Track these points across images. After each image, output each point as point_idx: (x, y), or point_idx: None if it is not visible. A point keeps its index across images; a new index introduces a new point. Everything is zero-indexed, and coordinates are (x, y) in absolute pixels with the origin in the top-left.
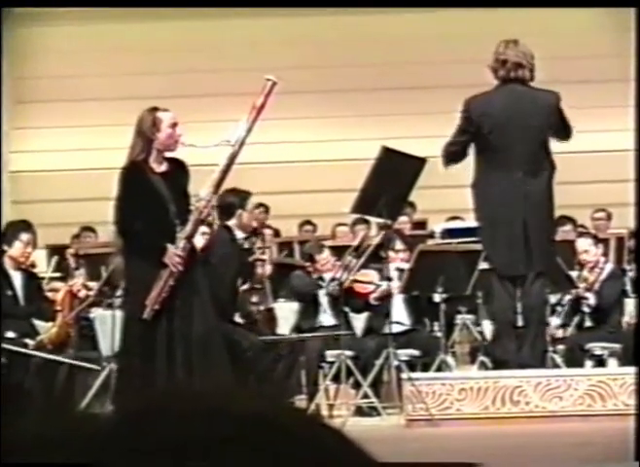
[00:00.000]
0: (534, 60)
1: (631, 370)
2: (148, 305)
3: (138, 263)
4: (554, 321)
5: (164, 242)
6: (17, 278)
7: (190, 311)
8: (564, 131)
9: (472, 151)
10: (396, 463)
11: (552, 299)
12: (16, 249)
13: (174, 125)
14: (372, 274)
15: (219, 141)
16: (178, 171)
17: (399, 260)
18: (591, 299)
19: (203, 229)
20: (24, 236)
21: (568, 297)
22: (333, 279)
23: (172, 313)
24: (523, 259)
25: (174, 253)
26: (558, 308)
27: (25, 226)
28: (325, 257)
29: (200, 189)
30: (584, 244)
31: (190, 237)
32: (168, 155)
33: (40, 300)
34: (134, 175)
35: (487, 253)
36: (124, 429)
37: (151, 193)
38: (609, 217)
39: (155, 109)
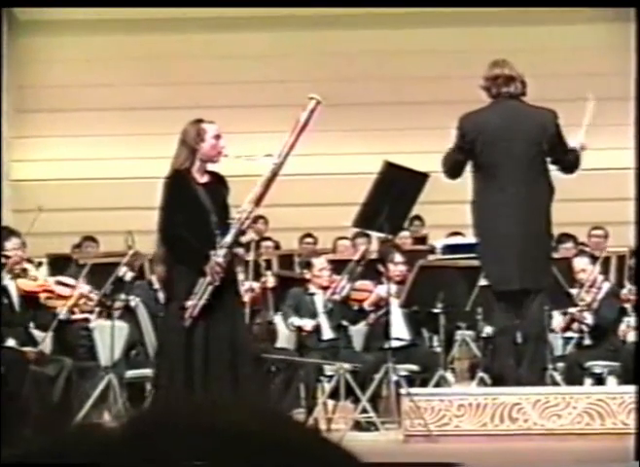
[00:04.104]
0: (524, 77)
1: (630, 388)
2: (187, 312)
3: (180, 270)
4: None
5: (207, 251)
6: (12, 286)
7: (228, 320)
8: (568, 161)
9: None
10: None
11: (556, 315)
12: (7, 255)
13: (218, 137)
14: (368, 284)
15: (262, 155)
16: (218, 184)
17: (398, 272)
18: (589, 319)
19: None
20: (9, 245)
21: (567, 314)
22: (333, 293)
23: (210, 321)
24: (516, 274)
25: (216, 262)
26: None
27: (7, 233)
28: (322, 262)
29: (235, 199)
30: (580, 263)
31: (230, 247)
32: (209, 167)
33: (36, 308)
34: (178, 184)
35: (483, 269)
36: (125, 443)
37: (194, 202)
38: (606, 235)
39: (200, 121)
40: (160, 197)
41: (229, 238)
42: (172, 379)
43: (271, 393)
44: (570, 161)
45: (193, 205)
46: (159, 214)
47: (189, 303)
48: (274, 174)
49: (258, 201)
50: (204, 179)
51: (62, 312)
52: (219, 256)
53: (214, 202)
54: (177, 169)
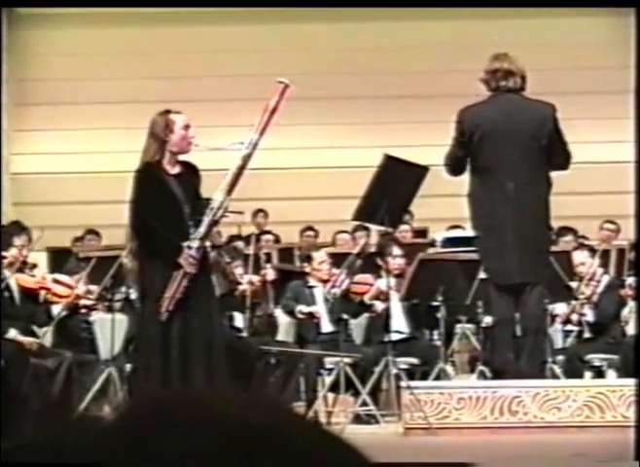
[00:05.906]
0: (525, 72)
1: (630, 381)
2: (163, 306)
3: (153, 263)
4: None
5: (180, 243)
6: (12, 280)
7: (203, 312)
8: (562, 157)
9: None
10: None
11: (557, 308)
12: (11, 254)
13: (187, 128)
14: (368, 277)
15: (232, 143)
16: (190, 174)
17: (396, 265)
18: (589, 314)
19: None
20: (17, 241)
21: (568, 307)
22: (333, 286)
23: (186, 314)
24: (516, 268)
25: (189, 254)
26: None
27: (18, 228)
28: (321, 255)
29: (211, 193)
30: (580, 257)
31: (204, 238)
32: (181, 158)
33: (36, 303)
34: (149, 176)
35: (482, 262)
36: (125, 436)
37: (166, 194)
38: (618, 230)
39: (167, 112)
40: (131, 190)
41: (202, 229)
42: (149, 374)
43: (271, 386)
44: (563, 160)
45: (165, 198)
46: (130, 208)
47: (164, 296)
48: (245, 162)
49: (229, 191)
50: (176, 170)
51: (58, 311)
52: (192, 247)
53: (186, 193)
54: (147, 162)
